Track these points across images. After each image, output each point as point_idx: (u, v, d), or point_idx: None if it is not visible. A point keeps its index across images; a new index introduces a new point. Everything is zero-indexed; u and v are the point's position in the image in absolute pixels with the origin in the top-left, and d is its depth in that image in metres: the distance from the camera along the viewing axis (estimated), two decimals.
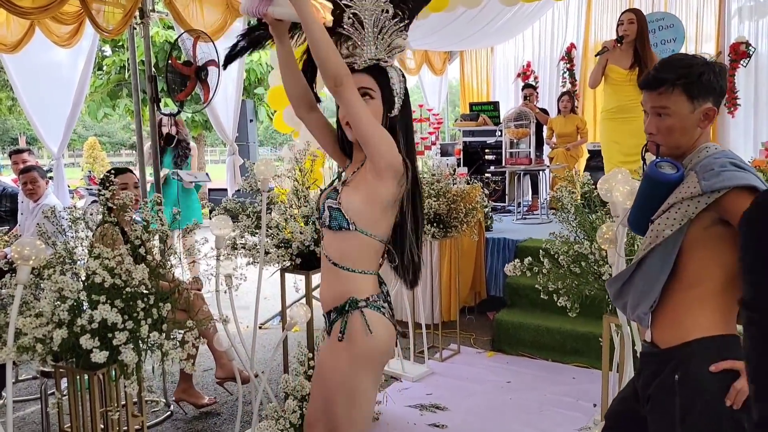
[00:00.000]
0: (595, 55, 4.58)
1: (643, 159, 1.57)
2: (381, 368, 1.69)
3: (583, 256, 2.28)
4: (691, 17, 6.97)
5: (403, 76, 1.71)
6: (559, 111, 6.66)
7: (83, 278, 1.89)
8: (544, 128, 6.82)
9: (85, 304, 1.85)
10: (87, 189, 12.51)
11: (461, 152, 7.07)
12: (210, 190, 12.34)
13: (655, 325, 1.46)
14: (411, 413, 3.16)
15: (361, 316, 1.60)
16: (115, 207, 2.08)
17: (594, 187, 2.32)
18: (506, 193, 6.51)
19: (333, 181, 1.81)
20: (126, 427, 2.02)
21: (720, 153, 1.40)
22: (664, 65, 1.44)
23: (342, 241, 1.63)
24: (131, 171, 3.22)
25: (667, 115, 1.41)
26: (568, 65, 7.98)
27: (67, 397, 1.95)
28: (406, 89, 1.70)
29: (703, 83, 1.39)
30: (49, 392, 2.76)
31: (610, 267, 2.08)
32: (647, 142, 1.51)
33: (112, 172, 3.00)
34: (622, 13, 4.43)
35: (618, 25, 4.36)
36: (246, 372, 2.72)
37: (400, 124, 1.64)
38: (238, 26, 5.24)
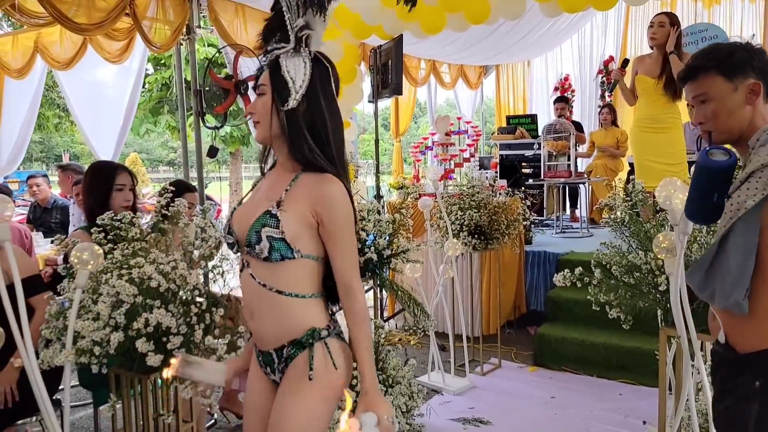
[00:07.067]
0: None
1: (699, 149, 1.54)
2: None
3: (637, 266, 2.22)
4: (735, 28, 6.84)
5: (326, 66, 1.46)
6: (600, 124, 6.58)
7: (137, 282, 1.92)
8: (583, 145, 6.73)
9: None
10: None
11: (498, 165, 7.03)
12: None
13: (731, 324, 1.36)
14: (454, 427, 3.11)
15: (324, 348, 1.40)
16: (169, 215, 2.12)
17: (648, 195, 2.27)
18: (544, 206, 6.43)
19: (246, 194, 1.58)
20: None
21: None
22: (696, 56, 1.47)
23: (284, 269, 1.40)
24: (195, 189, 3.27)
25: (709, 100, 1.41)
26: (605, 78, 7.90)
27: (120, 401, 1.98)
28: (322, 81, 1.44)
29: (735, 61, 1.39)
30: None
31: (667, 278, 2.02)
32: (700, 133, 1.47)
33: (170, 185, 3.03)
34: (655, 16, 3.95)
35: (648, 28, 3.92)
36: None
37: (304, 118, 1.41)
38: None
